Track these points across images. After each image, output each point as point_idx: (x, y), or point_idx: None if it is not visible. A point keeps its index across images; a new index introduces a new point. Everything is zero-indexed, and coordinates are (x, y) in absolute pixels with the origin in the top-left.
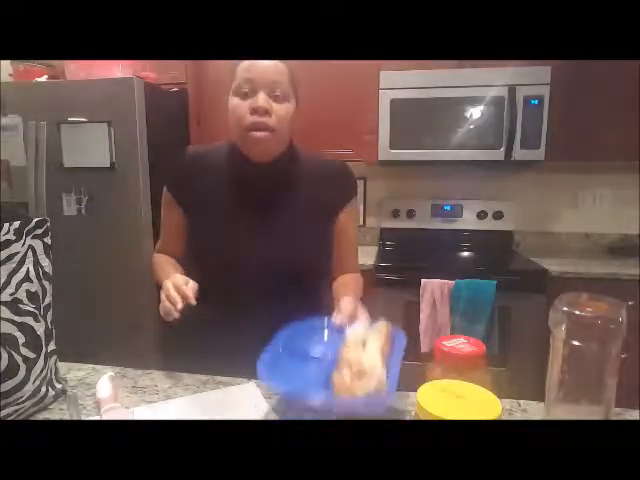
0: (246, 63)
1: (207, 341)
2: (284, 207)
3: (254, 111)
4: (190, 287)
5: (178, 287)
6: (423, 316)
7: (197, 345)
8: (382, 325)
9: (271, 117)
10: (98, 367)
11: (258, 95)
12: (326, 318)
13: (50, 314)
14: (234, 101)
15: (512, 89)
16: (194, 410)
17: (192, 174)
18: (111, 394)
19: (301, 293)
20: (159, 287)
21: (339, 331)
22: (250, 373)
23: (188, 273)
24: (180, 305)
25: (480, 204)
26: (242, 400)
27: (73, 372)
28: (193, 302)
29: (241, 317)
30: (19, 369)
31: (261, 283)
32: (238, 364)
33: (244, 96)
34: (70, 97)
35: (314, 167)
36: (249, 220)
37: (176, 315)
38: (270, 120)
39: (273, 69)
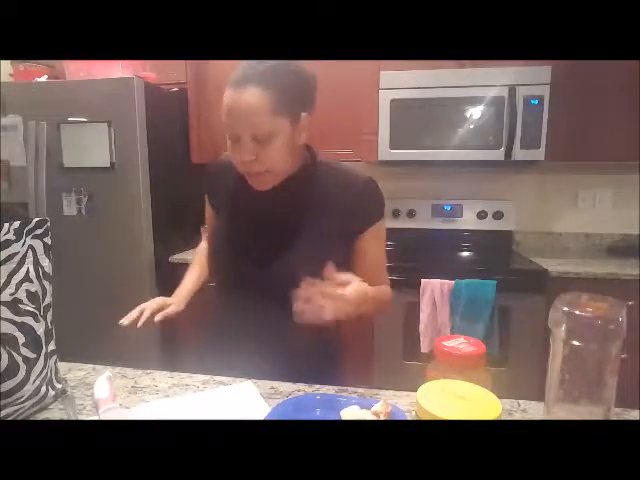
0: (225, 106)
1: (214, 343)
2: (292, 229)
3: (242, 163)
4: (161, 314)
5: (153, 309)
6: (423, 316)
7: (209, 347)
8: (382, 405)
9: (260, 162)
10: (98, 367)
11: (241, 142)
12: (319, 396)
13: (50, 314)
14: (229, 142)
15: (512, 89)
16: (194, 410)
17: (221, 179)
18: (109, 394)
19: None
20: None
21: (333, 409)
22: (250, 374)
23: (210, 272)
24: (141, 322)
25: (480, 204)
26: (242, 400)
27: (73, 372)
28: (153, 324)
29: (253, 330)
30: (19, 369)
31: (268, 298)
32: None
33: (232, 139)
34: (70, 97)
35: (332, 189)
36: (261, 237)
37: (131, 324)
38: (260, 165)
39: (248, 109)
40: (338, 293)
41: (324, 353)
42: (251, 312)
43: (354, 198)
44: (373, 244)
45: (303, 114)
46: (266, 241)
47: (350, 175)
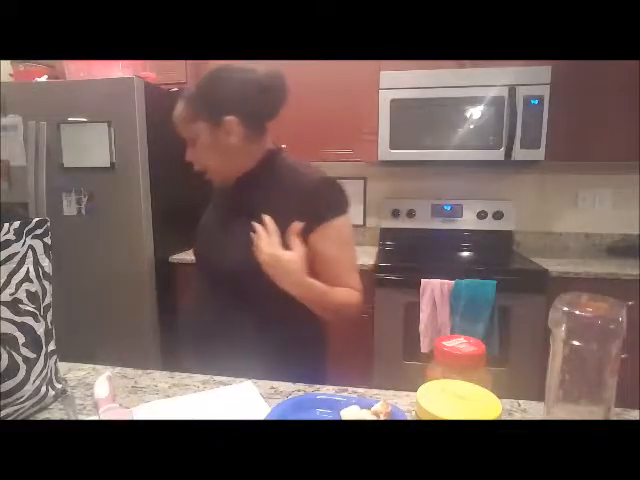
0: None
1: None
2: (247, 224)
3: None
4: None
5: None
6: (423, 316)
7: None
8: (382, 405)
9: (196, 163)
10: (98, 367)
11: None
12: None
13: (50, 314)
14: None
15: (512, 89)
16: (194, 410)
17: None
18: (109, 394)
19: (275, 302)
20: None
21: (333, 409)
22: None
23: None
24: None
25: (480, 204)
26: (242, 400)
27: (73, 372)
28: None
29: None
30: (19, 369)
31: (234, 292)
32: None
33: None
34: (70, 97)
35: (286, 187)
36: (224, 230)
37: None
38: (197, 165)
39: (175, 120)
40: (275, 246)
41: (301, 345)
42: (219, 302)
43: (304, 196)
44: (326, 244)
45: (228, 117)
46: (227, 234)
47: (305, 174)
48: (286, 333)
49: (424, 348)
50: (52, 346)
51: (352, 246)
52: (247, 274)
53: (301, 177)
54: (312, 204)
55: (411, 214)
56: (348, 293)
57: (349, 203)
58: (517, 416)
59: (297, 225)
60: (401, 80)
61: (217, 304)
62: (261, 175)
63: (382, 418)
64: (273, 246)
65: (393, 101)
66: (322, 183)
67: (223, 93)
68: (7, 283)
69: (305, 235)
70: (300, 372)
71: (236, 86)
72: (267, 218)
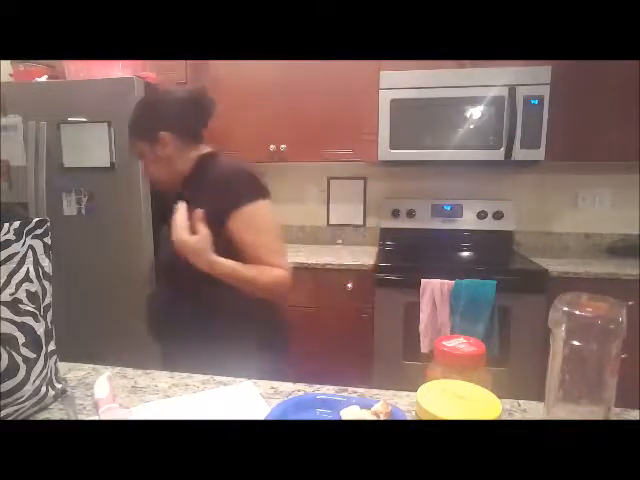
0: None
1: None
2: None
3: None
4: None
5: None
6: (423, 316)
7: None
8: (382, 405)
9: (151, 178)
10: (98, 367)
11: None
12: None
13: (50, 314)
14: None
15: (512, 89)
16: (194, 410)
17: None
18: (109, 394)
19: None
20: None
21: (333, 409)
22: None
23: None
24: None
25: (480, 204)
26: (242, 400)
27: (73, 372)
28: None
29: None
30: (19, 369)
31: (175, 278)
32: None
33: None
34: (70, 97)
35: (210, 182)
36: (168, 230)
37: None
38: (152, 180)
39: (129, 146)
40: (180, 229)
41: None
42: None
43: (221, 187)
44: (242, 228)
45: (161, 133)
46: (168, 231)
47: (225, 168)
48: (231, 314)
49: (424, 348)
50: (52, 346)
51: (270, 230)
52: (181, 263)
53: (221, 171)
54: (227, 193)
55: (411, 214)
56: (273, 272)
57: (266, 191)
58: (517, 416)
59: (199, 212)
60: (401, 80)
61: (169, 292)
62: (195, 176)
63: (382, 418)
64: (180, 232)
65: (393, 101)
66: (235, 174)
67: (154, 115)
68: (7, 283)
69: (224, 221)
70: (249, 352)
71: (164, 106)
72: (179, 209)
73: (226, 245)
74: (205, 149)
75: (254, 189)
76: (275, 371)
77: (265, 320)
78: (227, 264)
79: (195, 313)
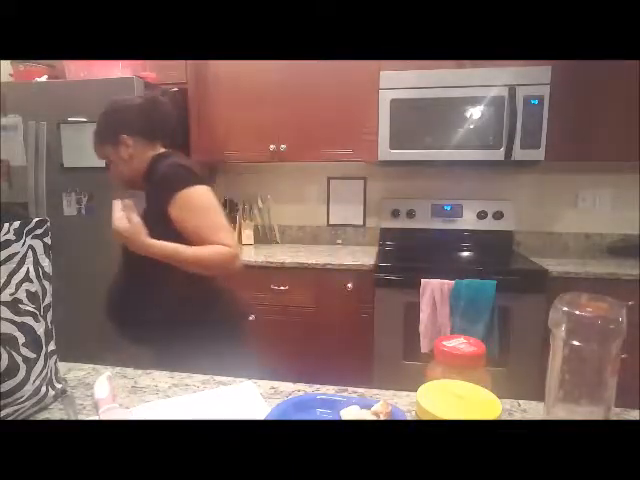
0: None
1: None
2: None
3: None
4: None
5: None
6: (423, 316)
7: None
8: (382, 405)
9: (116, 179)
10: (98, 367)
11: None
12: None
13: (50, 314)
14: None
15: (512, 89)
16: (194, 410)
17: None
18: (109, 394)
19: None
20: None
21: (333, 409)
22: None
23: None
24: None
25: (480, 204)
26: (242, 400)
27: (73, 372)
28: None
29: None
30: (19, 369)
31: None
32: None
33: None
34: (70, 97)
35: (155, 176)
36: None
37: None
38: (117, 180)
39: (95, 151)
40: (115, 219)
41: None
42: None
43: (159, 179)
44: (181, 212)
45: (122, 136)
46: None
47: (167, 164)
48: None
49: (424, 348)
50: (52, 346)
51: (209, 210)
52: (124, 250)
53: (162, 167)
54: (164, 183)
55: (411, 214)
56: (215, 248)
57: (202, 179)
58: (517, 416)
59: (127, 202)
60: (401, 80)
61: (131, 279)
62: (148, 173)
63: (382, 418)
64: (114, 222)
65: (393, 101)
66: (173, 167)
67: (115, 121)
68: (7, 283)
69: (165, 209)
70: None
71: (123, 113)
72: (115, 202)
73: (171, 231)
74: (160, 150)
75: (189, 178)
76: (235, 363)
77: (220, 306)
78: (169, 246)
79: (142, 295)
